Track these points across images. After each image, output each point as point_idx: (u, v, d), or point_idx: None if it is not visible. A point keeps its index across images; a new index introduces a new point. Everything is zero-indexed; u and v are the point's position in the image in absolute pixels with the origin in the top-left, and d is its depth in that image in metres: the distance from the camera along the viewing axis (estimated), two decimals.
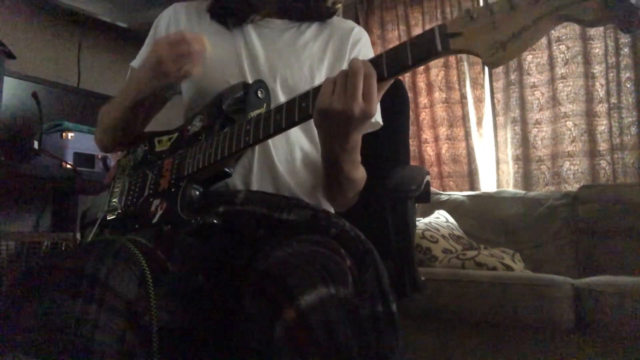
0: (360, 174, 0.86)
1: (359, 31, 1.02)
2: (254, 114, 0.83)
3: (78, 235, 1.71)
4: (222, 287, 0.75)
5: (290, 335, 0.55)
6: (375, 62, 0.68)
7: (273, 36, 0.96)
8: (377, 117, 1.00)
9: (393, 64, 0.66)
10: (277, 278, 0.60)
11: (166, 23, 1.01)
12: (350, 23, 1.04)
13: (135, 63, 1.02)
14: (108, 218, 0.91)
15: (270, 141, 0.88)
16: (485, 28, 0.60)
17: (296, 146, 0.92)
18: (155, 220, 0.82)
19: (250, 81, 0.88)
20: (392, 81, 0.70)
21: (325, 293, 0.58)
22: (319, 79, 0.94)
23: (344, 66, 0.96)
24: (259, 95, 0.85)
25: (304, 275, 0.60)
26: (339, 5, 1.02)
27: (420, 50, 0.64)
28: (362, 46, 1.00)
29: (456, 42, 0.62)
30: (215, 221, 0.78)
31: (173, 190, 0.83)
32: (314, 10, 0.98)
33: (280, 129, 0.74)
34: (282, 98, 0.90)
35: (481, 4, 3.00)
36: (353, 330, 0.58)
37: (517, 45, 0.58)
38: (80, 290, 0.60)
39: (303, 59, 0.94)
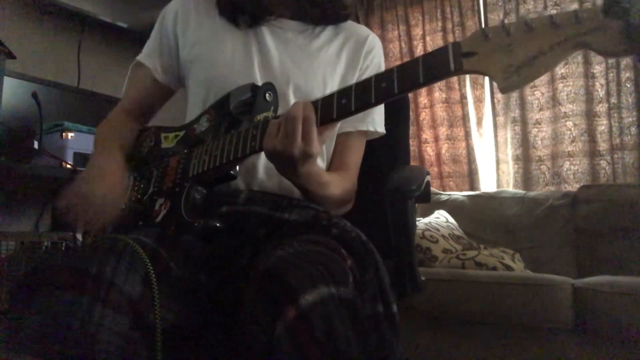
0: (334, 191, 0.87)
1: (373, 39, 1.02)
2: (260, 117, 0.83)
3: (78, 235, 1.71)
4: (225, 287, 0.75)
5: (291, 335, 0.55)
6: (385, 76, 0.67)
7: (287, 39, 0.95)
8: (380, 128, 1.00)
9: (404, 81, 0.65)
10: (278, 277, 0.60)
11: (173, 15, 0.99)
12: (364, 29, 1.03)
13: (141, 56, 1.02)
14: None
15: None
16: (501, 49, 0.58)
17: None
18: (158, 219, 0.82)
19: (260, 83, 0.88)
20: (399, 97, 0.69)
21: (326, 292, 0.58)
22: (332, 85, 0.94)
23: (356, 74, 0.97)
24: (267, 98, 0.85)
25: (305, 275, 0.60)
26: (351, 12, 1.02)
27: (433, 69, 0.63)
28: (375, 55, 1.00)
29: (470, 62, 0.60)
30: (218, 224, 0.79)
31: (177, 190, 0.83)
32: (330, 14, 0.97)
33: None
34: (292, 101, 0.90)
35: (481, 4, 3.00)
36: (354, 330, 0.58)
37: (532, 71, 0.57)
38: (85, 290, 0.60)
39: (316, 65, 0.94)
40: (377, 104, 0.68)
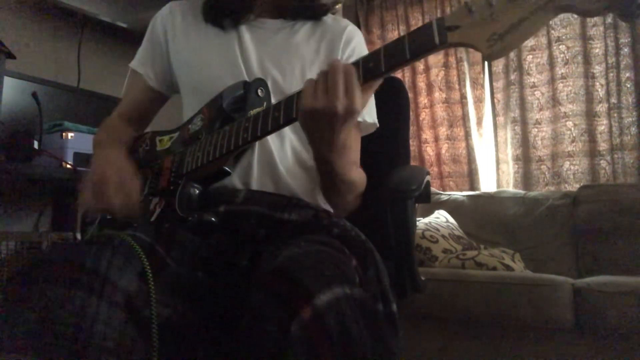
0: (357, 175, 0.85)
1: (351, 30, 1.01)
2: (253, 112, 0.83)
3: (78, 235, 1.71)
4: (223, 285, 0.75)
5: (306, 335, 0.54)
6: (373, 57, 0.67)
7: (266, 37, 0.96)
8: (374, 118, 0.99)
9: (391, 59, 0.66)
10: (292, 277, 0.59)
11: (163, 23, 1.01)
12: (344, 22, 1.03)
13: (134, 64, 1.03)
14: (108, 217, 0.92)
15: (270, 140, 0.88)
16: (484, 20, 0.60)
17: (288, 145, 0.92)
18: (153, 218, 0.82)
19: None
20: (387, 75, 0.69)
21: (340, 292, 0.58)
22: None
23: None
24: (259, 93, 0.85)
25: (319, 274, 0.59)
26: (339, 6, 1.02)
27: (418, 44, 0.64)
28: (356, 45, 0.99)
29: (454, 35, 0.61)
30: (213, 219, 0.78)
31: (172, 188, 0.83)
32: (308, 8, 0.98)
33: (278, 126, 0.74)
34: (272, 99, 0.90)
35: None
36: (368, 330, 0.57)
37: (515, 36, 0.58)
38: (80, 284, 0.60)
39: (295, 60, 0.94)
40: (366, 83, 0.68)
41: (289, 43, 0.96)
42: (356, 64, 0.68)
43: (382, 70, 0.66)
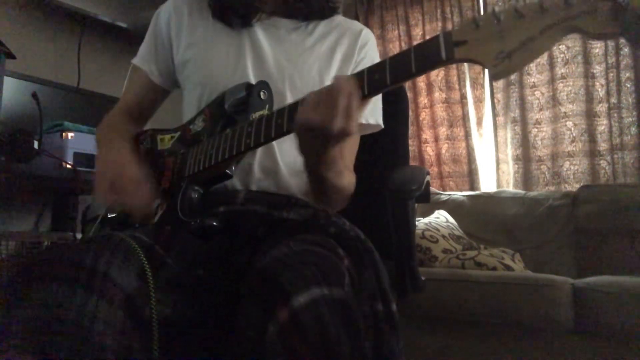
0: (345, 181, 0.86)
1: (367, 33, 1.02)
2: (255, 115, 0.83)
3: (78, 235, 1.71)
4: (223, 283, 0.75)
5: (282, 336, 0.54)
6: (378, 68, 0.67)
7: (281, 36, 0.95)
8: (378, 120, 0.99)
9: (396, 72, 0.65)
10: (271, 278, 0.59)
11: (167, 17, 1.00)
12: (358, 24, 1.04)
13: (136, 60, 1.02)
14: (109, 216, 0.92)
15: (275, 143, 0.88)
16: (491, 37, 0.59)
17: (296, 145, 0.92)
18: (155, 219, 0.82)
19: (254, 82, 0.88)
20: (391, 88, 0.69)
21: (318, 294, 0.58)
22: (328, 80, 0.93)
23: (351, 67, 0.97)
24: (262, 96, 0.85)
25: (298, 276, 0.59)
26: (339, 5, 1.02)
27: (425, 58, 0.63)
28: (370, 49, 1.00)
29: (461, 50, 0.60)
30: (214, 223, 0.78)
31: (173, 190, 0.83)
32: (317, 9, 0.97)
33: (281, 133, 0.73)
34: (290, 100, 0.89)
35: (481, 4, 3.00)
36: (346, 332, 0.57)
37: (524, 55, 0.57)
38: (80, 282, 0.60)
39: (311, 60, 0.94)
40: (370, 95, 0.67)
41: (304, 43, 0.96)
42: (361, 74, 0.68)
43: (387, 83, 0.66)
